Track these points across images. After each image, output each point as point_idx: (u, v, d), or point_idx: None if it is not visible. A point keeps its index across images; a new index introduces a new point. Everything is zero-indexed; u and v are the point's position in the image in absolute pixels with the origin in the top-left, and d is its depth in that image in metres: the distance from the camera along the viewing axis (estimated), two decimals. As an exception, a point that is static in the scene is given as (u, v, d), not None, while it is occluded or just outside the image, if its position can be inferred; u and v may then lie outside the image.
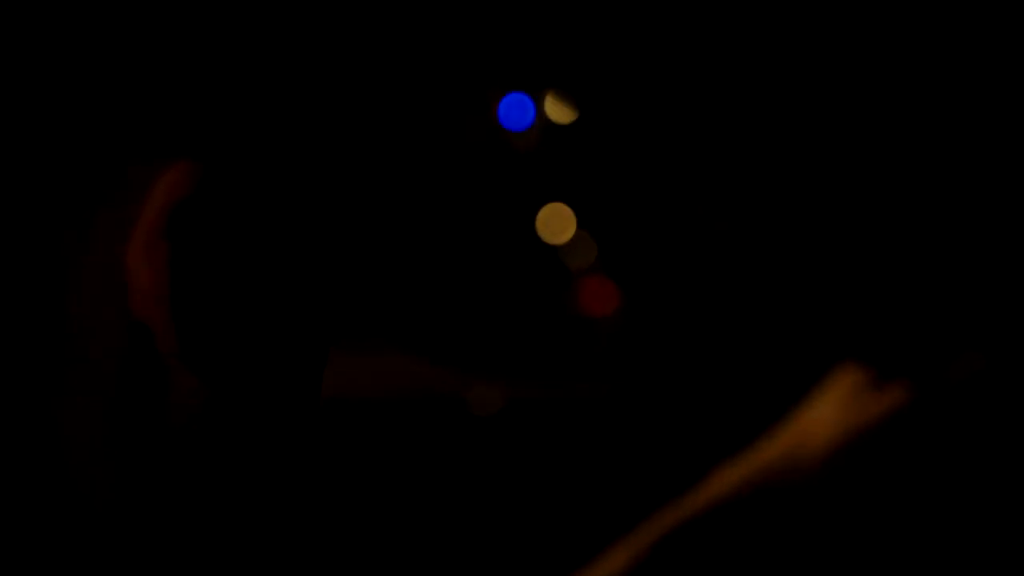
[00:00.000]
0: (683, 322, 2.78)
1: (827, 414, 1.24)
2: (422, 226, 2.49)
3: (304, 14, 0.61)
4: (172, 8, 0.58)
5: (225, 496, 0.61)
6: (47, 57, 0.57)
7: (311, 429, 0.63)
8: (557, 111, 2.65)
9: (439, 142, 2.43)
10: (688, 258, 2.80)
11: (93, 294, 0.59)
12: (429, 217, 2.50)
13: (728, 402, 2.60)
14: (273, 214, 0.60)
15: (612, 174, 2.76)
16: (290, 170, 0.61)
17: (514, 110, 2.57)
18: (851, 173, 2.69)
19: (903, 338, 2.55)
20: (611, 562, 1.19)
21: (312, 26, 0.61)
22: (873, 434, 1.24)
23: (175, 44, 0.59)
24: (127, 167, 0.59)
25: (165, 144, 0.59)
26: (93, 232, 0.59)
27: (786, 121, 2.68)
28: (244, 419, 0.60)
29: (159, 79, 0.59)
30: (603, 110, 2.68)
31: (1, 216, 0.58)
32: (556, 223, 2.83)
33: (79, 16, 0.57)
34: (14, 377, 0.59)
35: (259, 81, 0.61)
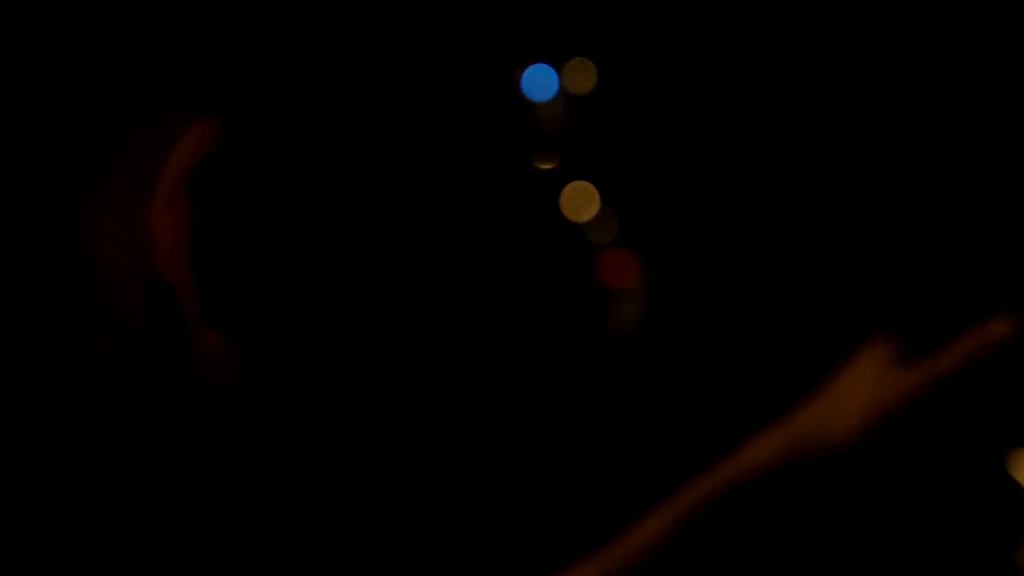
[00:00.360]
0: (711, 297, 2.77)
1: (858, 387, 1.23)
2: (446, 200, 2.48)
3: None
4: None
5: (254, 455, 0.60)
6: (74, 17, 0.56)
7: (342, 397, 0.62)
8: (580, 81, 2.63)
9: (461, 114, 2.42)
10: (714, 233, 2.79)
11: (117, 252, 0.58)
12: (452, 191, 2.49)
13: (759, 375, 2.59)
14: (296, 172, 0.59)
15: (634, 148, 2.75)
16: (314, 128, 0.60)
17: (538, 81, 2.56)
18: (875, 148, 2.67)
19: (932, 312, 2.54)
20: (645, 530, 1.17)
21: None
22: (904, 407, 1.22)
23: (201, 3, 0.58)
24: (149, 125, 0.58)
25: (187, 102, 0.58)
26: (115, 190, 0.58)
27: (811, 98, 2.67)
28: (276, 380, 0.59)
29: (182, 37, 0.58)
30: (625, 81, 2.67)
31: (23, 175, 0.57)
32: (580, 201, 2.82)
33: None
34: (41, 337, 0.58)
35: (284, 40, 0.59)
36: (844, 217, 2.71)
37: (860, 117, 2.68)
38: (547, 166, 2.75)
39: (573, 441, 2.66)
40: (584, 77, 2.67)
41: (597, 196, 2.85)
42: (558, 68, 2.63)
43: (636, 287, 2.80)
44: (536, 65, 2.57)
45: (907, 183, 2.66)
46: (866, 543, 1.86)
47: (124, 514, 0.56)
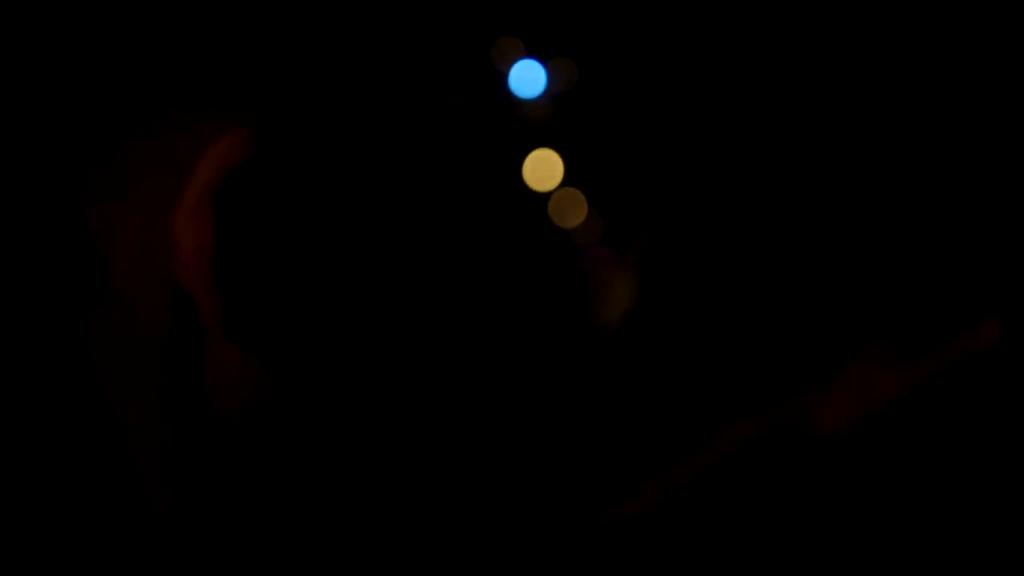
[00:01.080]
0: (699, 294, 2.78)
1: (852, 380, 1.24)
2: (438, 206, 2.48)
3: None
4: None
5: (273, 474, 0.59)
6: (107, 21, 0.56)
7: (366, 413, 0.61)
8: (568, 78, 2.64)
9: (456, 112, 2.42)
10: (702, 230, 2.80)
11: (137, 260, 0.58)
12: (443, 197, 2.49)
13: (748, 371, 2.60)
14: (323, 185, 0.59)
15: (620, 146, 2.76)
16: (341, 141, 0.60)
17: (525, 77, 2.56)
18: (862, 145, 2.68)
19: (924, 310, 2.54)
20: (647, 496, 1.19)
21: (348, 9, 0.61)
22: (892, 402, 1.23)
23: (233, 16, 0.58)
24: (177, 132, 0.58)
25: (216, 111, 0.58)
26: (138, 197, 0.57)
27: (799, 98, 2.67)
28: (297, 396, 0.59)
29: (215, 45, 0.58)
30: (612, 79, 2.68)
31: (44, 179, 0.57)
32: (568, 207, 2.83)
33: None
34: (53, 346, 0.57)
35: (313, 51, 0.59)
36: (836, 215, 2.71)
37: (849, 115, 2.68)
38: (543, 186, 2.76)
39: (563, 435, 2.66)
40: (570, 74, 2.68)
41: (585, 202, 2.86)
42: (546, 64, 2.63)
43: (622, 284, 2.81)
44: (523, 61, 2.57)
45: (897, 180, 2.67)
46: (848, 529, 1.87)
47: (131, 532, 0.55)
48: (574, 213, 2.86)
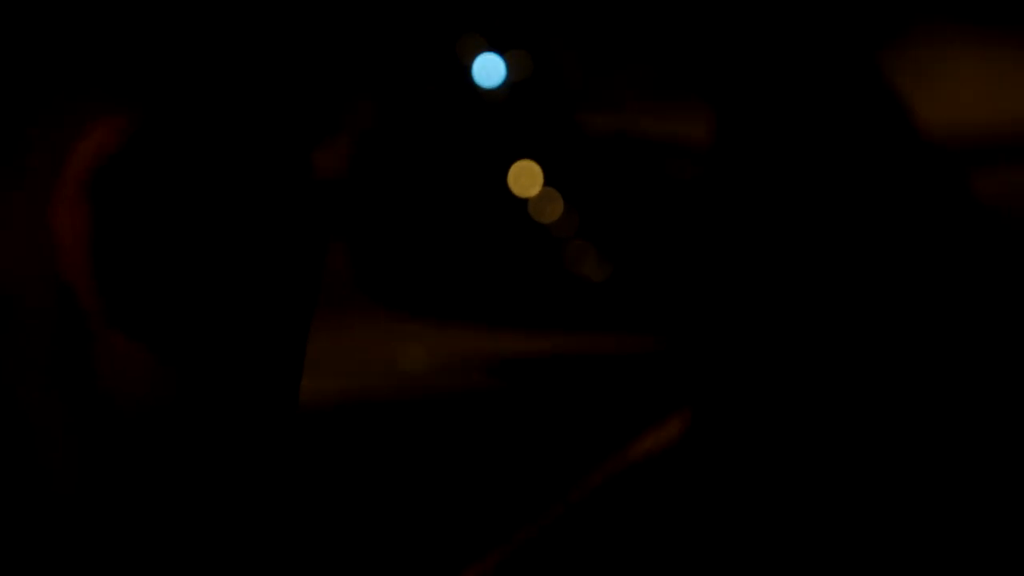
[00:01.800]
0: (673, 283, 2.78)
1: None
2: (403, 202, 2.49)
3: None
4: None
5: (174, 464, 0.57)
6: None
7: (284, 404, 0.59)
8: (527, 69, 2.64)
9: (415, 107, 2.41)
10: (673, 220, 2.80)
11: (18, 257, 0.55)
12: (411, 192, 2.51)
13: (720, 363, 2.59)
14: (204, 172, 0.57)
15: (587, 140, 2.76)
16: (229, 126, 0.58)
17: (487, 69, 2.55)
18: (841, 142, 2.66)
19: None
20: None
21: None
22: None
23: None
24: (50, 124, 0.56)
25: (91, 99, 0.56)
26: (19, 188, 0.57)
27: (770, 86, 2.66)
28: (189, 383, 0.57)
29: (88, 28, 0.56)
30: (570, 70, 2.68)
31: None
32: (546, 205, 2.84)
33: None
34: None
35: (203, 33, 0.57)
36: (815, 210, 2.70)
37: (827, 107, 2.67)
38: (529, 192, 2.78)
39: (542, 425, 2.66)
40: (531, 64, 2.68)
41: (562, 201, 2.88)
42: (507, 56, 2.63)
43: (599, 277, 2.82)
44: (485, 53, 2.58)
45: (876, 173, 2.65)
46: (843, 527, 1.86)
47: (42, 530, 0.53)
48: (551, 209, 2.88)
